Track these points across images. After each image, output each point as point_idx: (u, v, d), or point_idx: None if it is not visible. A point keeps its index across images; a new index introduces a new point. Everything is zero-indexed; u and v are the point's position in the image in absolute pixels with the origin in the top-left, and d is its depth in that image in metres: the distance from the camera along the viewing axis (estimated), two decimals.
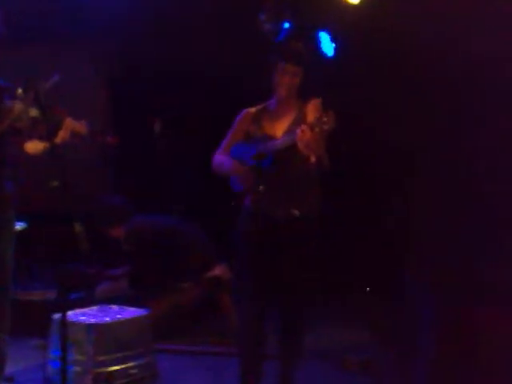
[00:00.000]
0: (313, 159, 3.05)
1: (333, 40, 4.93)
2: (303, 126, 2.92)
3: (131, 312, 3.57)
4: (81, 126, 3.01)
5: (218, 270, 4.17)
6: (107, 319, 3.42)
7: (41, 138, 2.90)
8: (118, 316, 3.49)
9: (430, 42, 3.90)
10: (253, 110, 3.31)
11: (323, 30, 4.94)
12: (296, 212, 3.11)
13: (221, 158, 3.27)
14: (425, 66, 4.07)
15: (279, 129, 3.20)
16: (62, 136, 2.94)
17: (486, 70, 3.69)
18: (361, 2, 3.87)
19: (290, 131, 3.10)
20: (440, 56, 3.89)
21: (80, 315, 3.46)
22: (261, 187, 3.09)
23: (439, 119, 4.15)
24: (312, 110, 3.18)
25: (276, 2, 5.00)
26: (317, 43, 5.00)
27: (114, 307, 3.64)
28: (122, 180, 5.28)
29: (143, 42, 5.10)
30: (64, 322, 2.44)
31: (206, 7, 4.92)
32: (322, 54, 4.99)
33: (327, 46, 5.01)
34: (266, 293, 3.14)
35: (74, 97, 4.04)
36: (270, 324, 3.14)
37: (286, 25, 5.05)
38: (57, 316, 3.29)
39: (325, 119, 2.86)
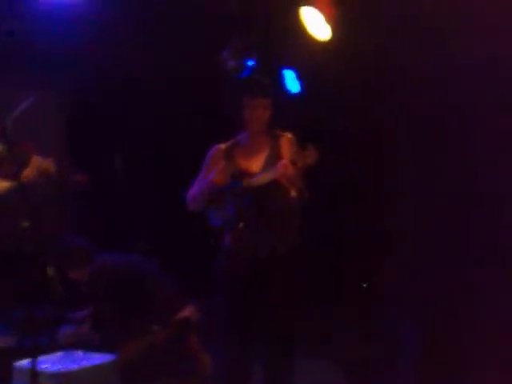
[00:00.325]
0: (294, 193, 3.00)
1: (298, 77, 4.96)
2: (285, 161, 2.88)
3: (98, 358, 3.41)
4: (48, 164, 2.88)
5: (187, 311, 4.03)
6: (73, 366, 3.26)
7: (6, 177, 2.76)
8: (84, 363, 3.34)
9: (399, 77, 3.93)
10: (223, 146, 3.26)
11: (288, 68, 4.97)
12: (280, 249, 3.03)
13: (195, 190, 3.17)
14: (394, 103, 4.09)
15: (254, 164, 3.15)
16: (28, 174, 2.81)
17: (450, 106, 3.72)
18: (330, 39, 3.86)
19: (268, 166, 3.06)
20: (411, 90, 3.90)
21: (43, 362, 3.27)
22: (241, 224, 3.01)
23: (409, 156, 4.16)
24: (287, 145, 3.17)
25: (240, 39, 5.00)
26: (281, 80, 5.02)
27: (79, 353, 3.48)
28: (81, 217, 5.11)
29: (100, 77, 5.03)
30: (34, 372, 2.28)
31: (163, 42, 4.87)
32: (287, 91, 5.01)
33: (292, 83, 5.03)
34: (249, 335, 3.04)
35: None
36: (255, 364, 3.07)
37: (250, 62, 5.06)
38: (18, 363, 3.10)
39: (307, 153, 2.83)
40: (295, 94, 4.99)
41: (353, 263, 4.76)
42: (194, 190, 3.20)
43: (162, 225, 5.00)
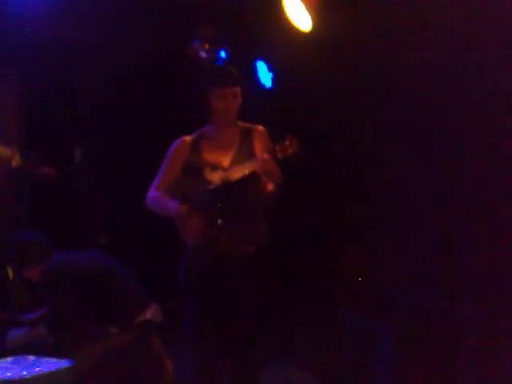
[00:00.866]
0: (270, 187, 2.81)
1: (271, 70, 4.77)
2: (265, 155, 2.69)
3: (52, 364, 3.16)
4: (12, 153, 2.60)
5: (150, 313, 3.78)
6: (24, 373, 3.01)
7: None
8: (37, 369, 3.08)
9: (380, 74, 3.77)
10: (188, 138, 3.05)
11: (262, 60, 4.77)
12: (251, 247, 2.83)
13: (157, 197, 2.95)
14: (373, 101, 3.93)
15: (224, 157, 2.95)
16: None
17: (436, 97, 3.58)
18: (310, 30, 3.67)
19: (239, 160, 2.87)
20: (393, 87, 3.76)
21: None
22: (219, 221, 2.79)
23: (386, 155, 4.03)
24: (259, 139, 2.98)
25: (212, 28, 4.79)
26: (254, 73, 4.83)
27: (31, 358, 3.23)
28: (37, 212, 4.83)
29: (67, 66, 4.78)
30: None
31: (129, 30, 4.63)
32: (260, 85, 4.82)
33: (265, 76, 4.85)
34: (217, 336, 2.86)
35: None
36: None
37: (222, 54, 4.86)
38: None
39: (287, 143, 2.66)
40: (267, 87, 4.82)
41: (318, 261, 4.60)
42: (153, 195, 2.98)
43: (125, 220, 4.76)
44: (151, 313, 3.74)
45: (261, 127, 3.03)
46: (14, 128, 4.77)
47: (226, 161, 2.92)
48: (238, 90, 2.94)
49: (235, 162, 2.90)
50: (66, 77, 4.83)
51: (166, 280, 3.30)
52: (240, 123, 3.03)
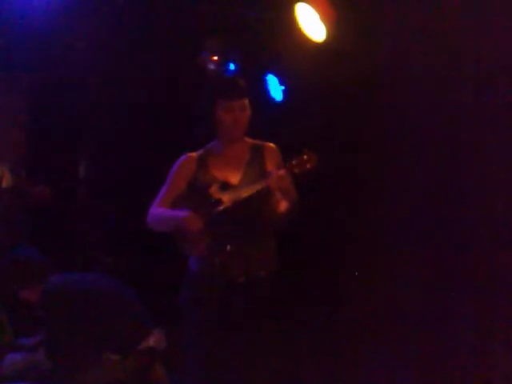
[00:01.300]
0: (284, 206, 2.60)
1: (282, 83, 4.60)
2: (282, 170, 2.51)
3: None
4: (3, 173, 2.41)
5: (153, 340, 3.58)
6: None
7: None
8: None
9: (396, 87, 3.59)
10: (195, 154, 2.86)
11: (272, 73, 4.60)
12: (258, 273, 2.63)
13: (159, 211, 2.77)
14: (389, 114, 3.75)
15: (234, 175, 2.76)
16: None
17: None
18: (324, 41, 3.48)
19: (249, 178, 2.68)
20: (401, 96, 3.59)
21: None
22: (228, 247, 2.59)
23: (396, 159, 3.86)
24: (271, 156, 2.80)
25: (221, 40, 4.62)
26: (265, 86, 4.66)
27: None
28: (37, 229, 4.66)
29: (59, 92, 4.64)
30: None
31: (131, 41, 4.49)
32: (270, 99, 4.65)
33: (276, 89, 4.67)
34: (222, 364, 2.67)
35: None
36: None
37: (232, 66, 4.70)
38: None
39: (305, 158, 2.49)
40: (278, 101, 4.65)
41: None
42: (155, 211, 2.79)
43: (128, 241, 4.57)
44: (154, 339, 3.54)
45: (272, 144, 2.85)
46: (14, 144, 4.63)
47: (235, 178, 2.75)
48: (246, 102, 2.77)
49: (245, 179, 2.72)
50: (70, 91, 4.69)
51: (171, 303, 3.12)
52: (249, 139, 2.86)
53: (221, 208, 2.64)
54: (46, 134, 4.74)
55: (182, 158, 2.87)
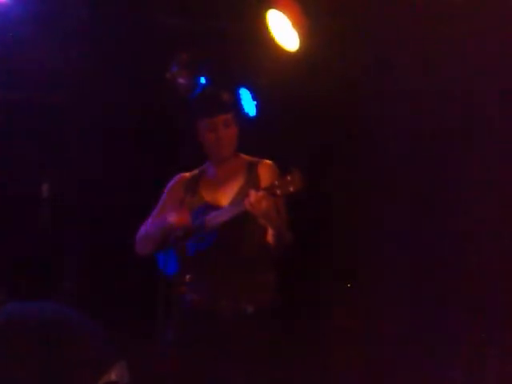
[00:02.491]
0: (270, 233, 2.38)
1: (254, 98, 4.41)
2: (259, 191, 2.28)
3: None
4: None
5: (115, 373, 3.31)
6: None
7: None
8: None
9: (374, 99, 3.42)
10: (187, 174, 2.65)
11: (245, 86, 4.41)
12: (248, 307, 2.37)
13: (146, 228, 2.57)
14: (363, 121, 3.58)
15: (224, 196, 2.54)
16: None
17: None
18: (298, 50, 3.29)
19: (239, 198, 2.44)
20: (381, 107, 3.42)
21: None
22: (187, 277, 2.37)
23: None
24: (267, 174, 2.56)
25: (192, 53, 4.43)
26: (239, 100, 4.47)
27: None
28: None
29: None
30: None
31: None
32: (244, 114, 4.45)
33: (249, 104, 4.48)
34: None
35: None
36: None
37: (203, 80, 4.50)
38: None
39: (290, 178, 2.24)
40: (252, 116, 4.46)
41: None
42: (145, 229, 2.57)
43: (91, 265, 4.31)
44: (116, 373, 3.27)
45: (268, 161, 2.60)
46: None
47: (226, 200, 2.52)
48: (229, 117, 2.54)
49: (235, 201, 2.49)
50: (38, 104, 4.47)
51: (135, 334, 2.89)
52: (245, 157, 2.63)
53: (179, 233, 2.38)
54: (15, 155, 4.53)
55: (175, 178, 2.68)
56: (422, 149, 3.28)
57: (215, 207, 2.49)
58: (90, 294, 4.11)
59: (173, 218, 2.45)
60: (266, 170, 2.55)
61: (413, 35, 3.18)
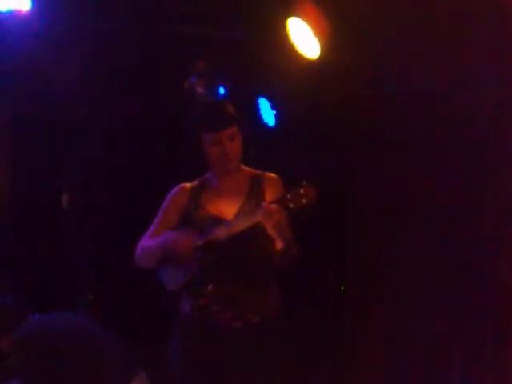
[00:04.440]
0: (279, 245, 2.32)
1: (273, 107, 4.37)
2: (272, 203, 2.24)
3: None
4: None
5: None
6: None
7: None
8: None
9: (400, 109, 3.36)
10: (189, 185, 2.60)
11: (264, 96, 4.37)
12: (254, 318, 2.34)
13: (149, 242, 2.52)
14: (385, 129, 3.52)
15: (228, 210, 2.49)
16: None
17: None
18: (319, 58, 3.24)
19: (246, 213, 2.41)
20: (404, 115, 3.36)
21: None
22: (209, 287, 2.31)
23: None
24: (271, 188, 2.52)
25: (210, 62, 4.40)
26: (257, 111, 4.43)
27: None
28: (15, 265, 4.39)
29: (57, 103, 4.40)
30: None
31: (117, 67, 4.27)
32: (263, 124, 4.41)
33: (268, 114, 4.44)
34: None
35: None
36: None
37: (221, 89, 4.47)
38: None
39: (302, 191, 2.19)
40: (271, 126, 4.41)
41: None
42: (145, 242, 2.53)
43: (113, 276, 4.30)
44: (137, 383, 3.24)
45: (273, 174, 2.58)
46: None
47: (230, 213, 2.48)
48: (233, 130, 2.49)
49: (241, 214, 2.46)
50: (52, 116, 4.47)
51: (156, 345, 2.85)
52: (248, 169, 2.60)
53: (200, 243, 2.35)
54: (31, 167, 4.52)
55: (175, 189, 2.64)
56: (444, 158, 3.20)
57: (221, 220, 2.46)
58: (110, 305, 4.09)
59: (176, 242, 2.43)
60: (270, 183, 2.53)
61: (436, 42, 3.11)
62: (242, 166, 2.59)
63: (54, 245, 4.40)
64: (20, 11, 3.78)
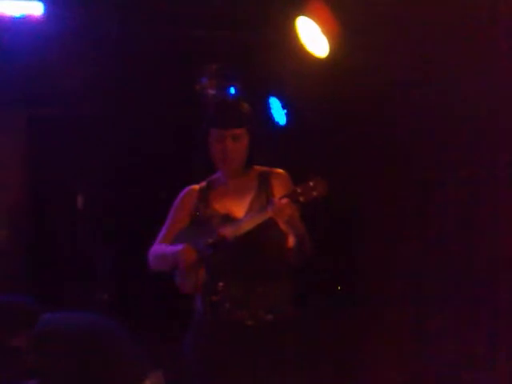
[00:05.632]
0: (291, 241, 2.33)
1: (284, 106, 4.39)
2: (283, 198, 2.22)
3: None
4: None
5: (150, 382, 3.30)
6: None
7: None
8: None
9: (408, 110, 3.36)
10: (197, 186, 2.62)
11: (275, 95, 4.39)
12: (268, 316, 2.35)
13: (159, 248, 2.54)
14: (396, 128, 3.51)
15: (238, 208, 2.50)
16: None
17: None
18: (328, 56, 3.26)
19: (256, 208, 2.41)
20: (415, 115, 3.35)
21: None
22: (220, 284, 2.33)
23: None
24: (279, 184, 2.52)
25: (221, 63, 4.44)
26: (268, 110, 4.45)
27: None
28: (32, 266, 4.44)
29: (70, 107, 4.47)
30: None
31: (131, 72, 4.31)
32: (274, 123, 4.43)
33: (279, 113, 4.46)
34: None
35: None
36: None
37: (232, 90, 4.50)
38: None
39: (312, 184, 2.20)
40: (282, 125, 4.44)
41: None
42: (155, 248, 2.56)
43: (128, 275, 4.34)
44: (152, 382, 3.27)
45: (281, 170, 2.57)
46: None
47: (239, 211, 2.48)
48: (240, 131, 2.48)
49: (250, 211, 2.46)
50: (70, 120, 4.52)
51: (171, 343, 2.88)
52: (257, 167, 2.59)
53: (210, 241, 2.38)
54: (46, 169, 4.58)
55: (184, 190, 2.65)
56: (460, 158, 3.18)
57: (231, 218, 2.46)
58: (126, 303, 4.13)
59: (179, 256, 2.44)
60: (278, 179, 2.52)
61: (446, 38, 3.11)
62: (253, 166, 2.58)
63: (69, 245, 4.45)
64: (33, 16, 3.84)
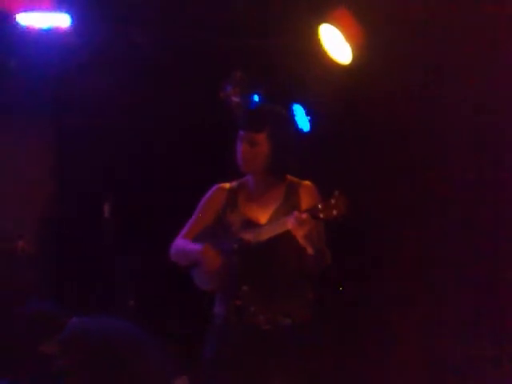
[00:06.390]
0: (310, 252, 2.36)
1: (308, 113, 4.40)
2: (303, 213, 2.28)
3: None
4: None
5: None
6: None
7: None
8: None
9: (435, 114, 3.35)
10: (227, 185, 2.65)
11: (298, 102, 4.41)
12: (286, 320, 2.38)
13: (182, 243, 2.58)
14: (421, 135, 3.50)
15: (263, 214, 2.54)
16: None
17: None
18: (351, 63, 3.27)
19: (280, 217, 2.46)
20: (440, 120, 3.34)
21: None
22: (244, 288, 2.36)
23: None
24: (307, 196, 2.56)
25: (244, 71, 4.47)
26: (292, 117, 4.46)
27: None
28: (59, 273, 4.50)
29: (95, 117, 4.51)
30: None
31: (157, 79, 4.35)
32: (298, 130, 4.44)
33: (302, 120, 4.47)
34: None
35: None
36: None
37: (256, 97, 4.53)
38: None
39: (333, 202, 2.23)
40: (306, 131, 4.45)
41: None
42: (179, 242, 2.61)
43: (153, 282, 4.37)
44: None
45: (308, 182, 2.61)
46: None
47: (263, 217, 2.53)
48: (258, 137, 2.52)
49: (274, 220, 2.50)
50: (98, 128, 4.58)
51: (196, 349, 2.90)
52: (289, 177, 2.63)
53: (235, 246, 2.41)
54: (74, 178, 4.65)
55: (213, 188, 2.69)
56: (486, 163, 3.17)
57: (255, 224, 2.50)
58: (151, 310, 4.16)
59: (203, 257, 2.48)
60: (306, 191, 2.56)
61: (467, 46, 3.11)
62: (286, 176, 2.60)
63: (95, 252, 4.51)
64: (60, 28, 3.91)
